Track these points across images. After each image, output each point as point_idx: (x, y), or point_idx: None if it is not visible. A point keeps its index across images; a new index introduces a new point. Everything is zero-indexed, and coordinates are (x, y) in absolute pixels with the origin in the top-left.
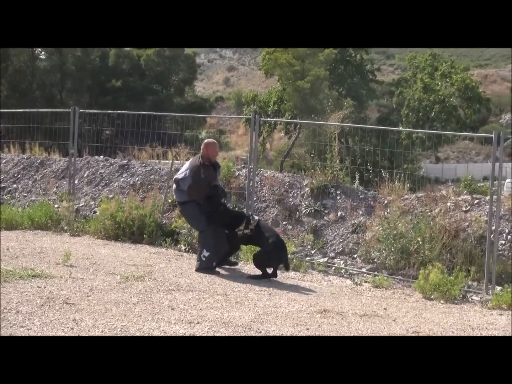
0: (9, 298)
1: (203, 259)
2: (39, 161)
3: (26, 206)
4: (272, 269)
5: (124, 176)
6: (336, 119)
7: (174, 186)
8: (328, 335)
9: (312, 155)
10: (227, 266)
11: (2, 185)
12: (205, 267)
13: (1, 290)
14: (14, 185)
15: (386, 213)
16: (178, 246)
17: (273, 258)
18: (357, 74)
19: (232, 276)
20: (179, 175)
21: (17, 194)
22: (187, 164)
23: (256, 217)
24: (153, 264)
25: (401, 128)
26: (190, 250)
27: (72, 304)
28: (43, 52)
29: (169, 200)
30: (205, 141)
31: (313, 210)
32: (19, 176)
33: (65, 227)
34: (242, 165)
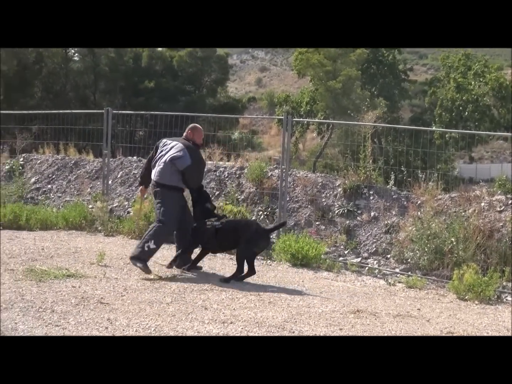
0: (44, 297)
1: (146, 249)
2: (73, 162)
3: (60, 207)
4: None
5: None
6: (369, 119)
7: (162, 166)
8: (362, 335)
9: (345, 156)
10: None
11: (37, 186)
12: (142, 258)
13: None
14: (49, 186)
15: (419, 213)
16: None
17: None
18: (390, 74)
19: (265, 276)
20: (175, 154)
21: (51, 194)
22: (177, 145)
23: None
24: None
25: (434, 128)
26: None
27: (107, 303)
28: (76, 54)
29: None
30: (192, 125)
31: (346, 211)
32: (54, 176)
33: (99, 227)
34: (275, 166)
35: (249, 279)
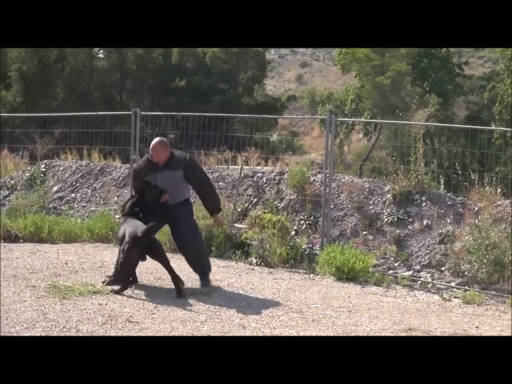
0: (69, 316)
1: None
2: (98, 168)
3: (85, 217)
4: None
5: None
6: (420, 118)
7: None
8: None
9: (394, 158)
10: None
11: (60, 195)
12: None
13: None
14: (73, 195)
15: (477, 221)
16: (249, 259)
17: None
18: (443, 68)
19: (308, 291)
20: None
21: (75, 204)
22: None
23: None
24: (221, 279)
25: (493, 127)
26: (262, 264)
27: (136, 322)
28: (101, 51)
29: (238, 209)
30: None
31: (396, 219)
32: (78, 184)
33: None
34: (318, 170)
35: (290, 295)
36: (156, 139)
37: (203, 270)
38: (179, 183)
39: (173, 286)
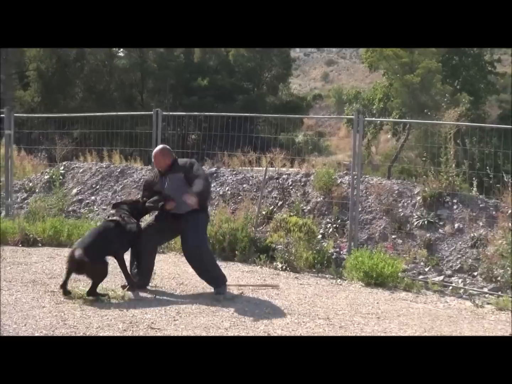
0: (89, 322)
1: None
2: (119, 170)
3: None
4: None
5: (212, 185)
6: (451, 118)
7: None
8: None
9: (424, 159)
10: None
11: (80, 197)
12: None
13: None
14: (92, 197)
15: (510, 224)
16: (274, 263)
17: None
18: (474, 65)
19: (335, 297)
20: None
21: (95, 207)
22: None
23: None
24: (246, 284)
25: None
26: (288, 268)
27: (158, 329)
28: (121, 50)
29: (263, 212)
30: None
31: (426, 222)
32: (98, 187)
33: None
34: (345, 172)
35: (317, 301)
36: (158, 147)
37: (216, 283)
38: (183, 187)
39: (196, 291)
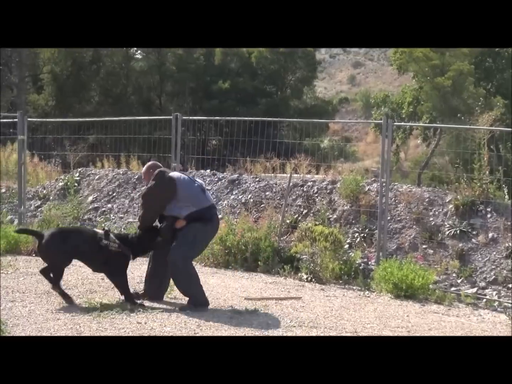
0: (106, 335)
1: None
2: (136, 177)
3: (122, 229)
4: None
5: (234, 193)
6: (485, 122)
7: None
8: None
9: (456, 166)
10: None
11: (95, 205)
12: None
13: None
14: (109, 205)
15: None
16: (299, 274)
17: None
18: (509, 68)
19: (363, 309)
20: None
21: (112, 215)
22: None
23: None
24: (269, 295)
25: None
26: (313, 280)
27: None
28: (139, 51)
29: (287, 221)
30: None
31: (458, 231)
32: (115, 194)
33: None
34: (373, 179)
35: (344, 313)
36: (147, 163)
37: (190, 301)
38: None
39: (218, 303)
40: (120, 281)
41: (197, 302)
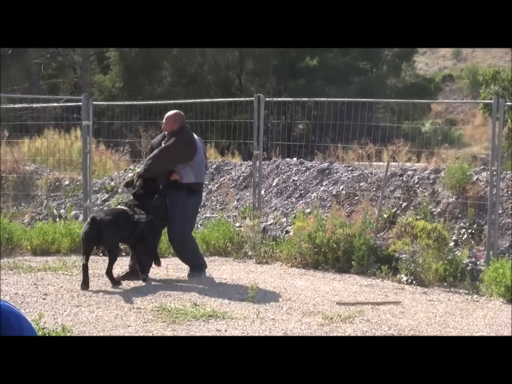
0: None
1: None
2: (214, 167)
3: (199, 225)
4: None
5: (324, 184)
6: None
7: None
8: None
9: None
10: None
11: None
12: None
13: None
14: None
15: None
16: (398, 276)
17: None
18: None
19: (471, 316)
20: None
21: None
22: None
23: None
24: (365, 300)
25: None
26: (414, 282)
27: None
28: None
29: (384, 215)
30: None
31: None
32: None
33: (250, 252)
34: (482, 167)
35: (449, 320)
36: (173, 111)
37: (193, 270)
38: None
39: (307, 308)
40: (149, 250)
41: (201, 267)
